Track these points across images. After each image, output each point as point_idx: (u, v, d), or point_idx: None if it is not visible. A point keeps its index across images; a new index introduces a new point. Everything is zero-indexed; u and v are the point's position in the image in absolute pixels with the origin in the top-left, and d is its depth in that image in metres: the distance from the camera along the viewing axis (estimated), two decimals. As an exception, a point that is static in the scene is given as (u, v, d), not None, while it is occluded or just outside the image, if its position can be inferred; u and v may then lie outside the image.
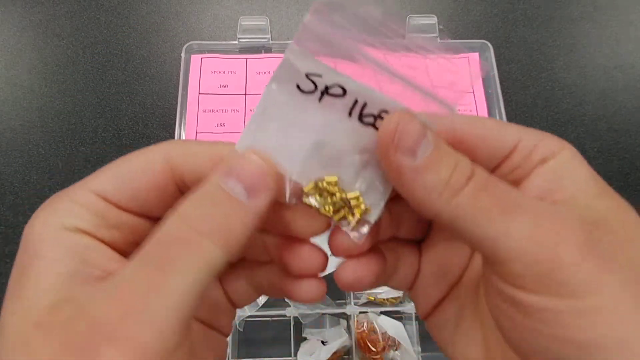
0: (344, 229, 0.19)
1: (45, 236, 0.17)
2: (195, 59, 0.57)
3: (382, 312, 0.48)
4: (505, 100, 0.55)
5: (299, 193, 0.19)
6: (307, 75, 0.17)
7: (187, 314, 0.16)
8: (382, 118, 0.18)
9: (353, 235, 0.19)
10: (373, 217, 0.19)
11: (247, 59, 0.57)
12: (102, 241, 0.18)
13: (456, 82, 0.18)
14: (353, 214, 0.19)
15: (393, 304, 0.49)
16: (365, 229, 0.19)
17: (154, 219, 0.19)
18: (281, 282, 0.22)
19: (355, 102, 0.18)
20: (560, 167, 0.18)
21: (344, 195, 0.18)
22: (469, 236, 0.17)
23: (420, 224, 0.23)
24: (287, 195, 0.18)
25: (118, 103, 0.56)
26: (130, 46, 0.60)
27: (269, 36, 0.58)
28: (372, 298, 0.50)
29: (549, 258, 0.15)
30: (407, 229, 0.23)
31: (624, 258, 0.16)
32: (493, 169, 0.19)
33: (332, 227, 0.20)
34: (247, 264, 0.23)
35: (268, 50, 0.58)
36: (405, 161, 0.17)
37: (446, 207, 0.17)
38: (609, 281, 0.15)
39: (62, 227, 0.17)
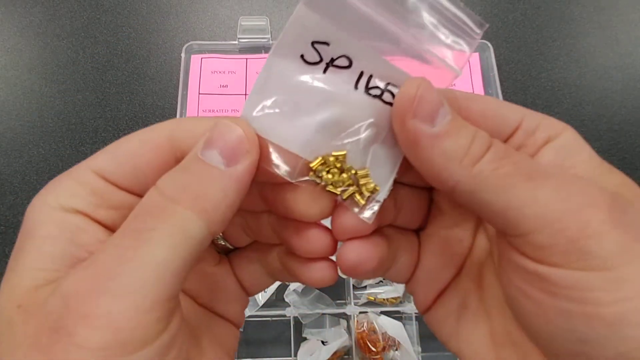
0: (353, 210, 0.18)
1: (41, 216, 0.16)
2: (195, 59, 0.57)
3: (382, 312, 0.48)
4: (505, 100, 0.55)
5: (305, 170, 0.18)
6: (313, 44, 0.16)
7: (167, 290, 0.15)
8: (389, 91, 0.17)
9: (363, 215, 0.18)
10: (382, 195, 0.18)
11: (247, 59, 0.57)
12: (98, 221, 0.17)
13: (457, 43, 0.17)
14: (361, 193, 0.18)
15: (393, 304, 0.49)
16: (376, 207, 0.18)
17: None
18: (292, 265, 0.21)
19: (361, 74, 0.17)
20: (567, 146, 0.18)
21: (352, 172, 0.17)
22: (490, 207, 0.16)
23: (419, 210, 0.22)
24: (295, 172, 0.17)
25: (118, 103, 0.56)
26: (130, 46, 0.60)
27: (269, 36, 0.58)
28: (372, 298, 0.50)
29: (577, 224, 0.15)
30: (406, 217, 0.22)
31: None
32: None
33: (337, 208, 0.19)
34: (258, 246, 0.23)
35: (268, 50, 0.58)
36: (424, 128, 0.16)
37: (467, 175, 0.16)
38: (639, 251, 0.14)
39: (58, 207, 0.16)
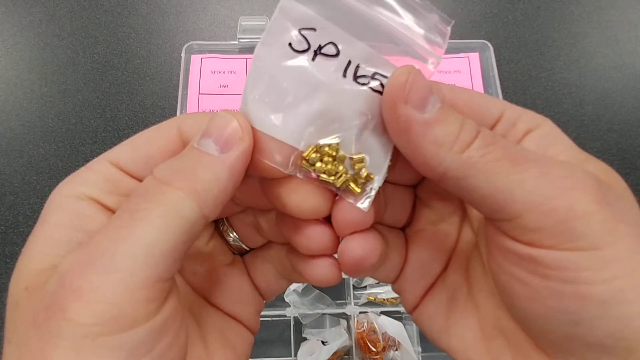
0: (349, 200, 0.18)
1: (54, 204, 0.17)
2: (195, 59, 0.57)
3: (382, 312, 0.48)
4: (504, 99, 0.55)
5: (299, 161, 0.18)
6: (300, 31, 0.17)
7: (157, 270, 0.15)
8: (377, 80, 0.17)
9: (359, 204, 0.18)
10: (377, 183, 0.18)
11: (247, 59, 0.57)
12: (108, 208, 0.18)
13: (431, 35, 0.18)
14: (356, 181, 0.18)
15: (393, 304, 0.49)
16: (372, 194, 0.18)
17: None
18: (296, 264, 0.21)
19: (349, 62, 0.17)
20: (546, 136, 0.18)
21: (346, 158, 0.17)
22: (479, 192, 0.16)
23: (404, 208, 0.22)
24: (289, 162, 0.17)
25: (118, 103, 0.56)
26: (130, 46, 0.60)
27: (269, 36, 0.58)
28: (372, 298, 0.50)
29: (565, 205, 0.15)
30: (392, 214, 0.22)
31: (630, 212, 0.16)
32: None
33: (335, 203, 0.19)
34: (271, 246, 0.23)
35: (268, 50, 0.58)
36: (415, 114, 0.16)
37: (457, 161, 0.16)
38: (625, 231, 0.15)
39: (71, 195, 0.17)
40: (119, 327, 0.14)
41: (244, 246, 0.23)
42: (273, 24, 0.17)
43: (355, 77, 0.17)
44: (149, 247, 0.15)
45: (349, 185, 0.18)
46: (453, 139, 0.16)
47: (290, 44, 0.17)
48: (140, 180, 0.18)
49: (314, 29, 0.17)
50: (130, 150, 0.19)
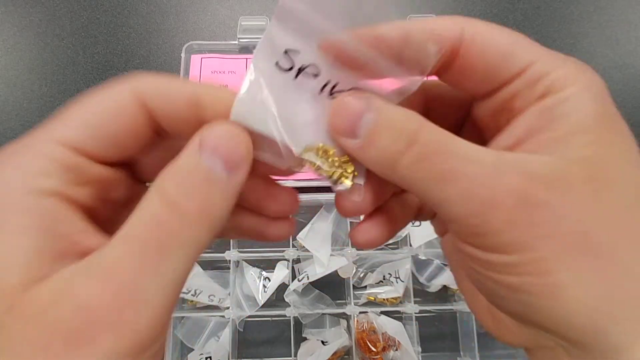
0: (343, 192, 0.20)
1: (10, 203, 0.15)
2: (195, 59, 0.57)
3: (382, 312, 0.48)
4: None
5: (295, 157, 0.19)
6: (285, 52, 0.18)
7: (177, 296, 0.16)
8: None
9: (352, 196, 0.20)
10: (360, 179, 0.20)
11: (247, 59, 0.57)
12: (76, 202, 0.16)
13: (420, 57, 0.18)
14: (346, 176, 0.19)
15: (393, 304, 0.49)
16: (362, 189, 0.20)
17: (127, 166, 0.19)
18: (257, 224, 0.22)
19: (328, 82, 0.18)
20: (560, 105, 0.16)
21: (335, 158, 0.19)
22: (421, 200, 0.18)
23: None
24: (286, 159, 0.18)
25: (118, 103, 0.56)
26: (130, 46, 0.60)
27: (269, 36, 0.58)
28: (372, 298, 0.50)
29: (480, 223, 0.16)
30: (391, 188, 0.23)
31: (567, 221, 0.15)
32: (491, 92, 0.18)
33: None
34: None
35: (268, 50, 0.58)
36: (350, 143, 0.17)
37: (395, 177, 0.17)
38: (535, 245, 0.15)
39: (29, 190, 0.15)
40: (143, 351, 0.15)
41: None
42: (261, 44, 0.18)
43: (331, 92, 0.19)
44: (176, 281, 0.15)
45: (342, 180, 0.19)
46: (387, 157, 0.17)
47: (277, 63, 0.18)
48: (105, 163, 0.17)
49: (298, 51, 0.18)
50: (84, 128, 0.16)
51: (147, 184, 0.21)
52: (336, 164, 0.19)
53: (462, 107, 0.21)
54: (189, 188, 0.16)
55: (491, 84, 0.18)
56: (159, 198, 0.16)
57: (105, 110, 0.17)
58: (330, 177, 0.19)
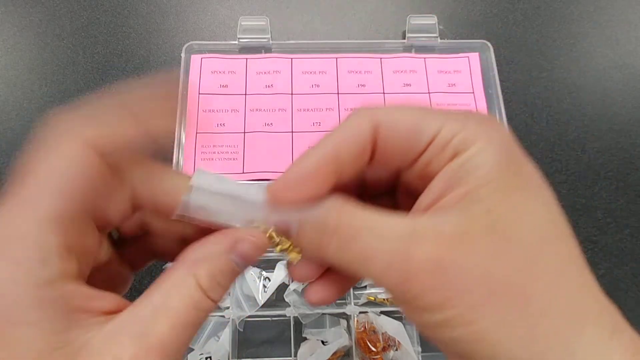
0: (292, 262, 0.22)
1: (18, 300, 0.15)
2: (195, 59, 0.57)
3: (382, 312, 0.48)
4: (505, 100, 0.55)
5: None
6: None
7: None
8: None
9: (297, 266, 0.22)
10: (297, 259, 0.22)
11: (247, 59, 0.57)
12: (71, 274, 0.17)
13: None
14: (291, 251, 0.22)
15: (393, 304, 0.49)
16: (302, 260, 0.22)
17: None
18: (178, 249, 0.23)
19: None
20: (467, 162, 0.18)
21: (283, 244, 0.22)
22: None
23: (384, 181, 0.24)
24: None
25: (118, 103, 0.56)
26: (130, 46, 0.60)
27: (269, 36, 0.58)
28: (372, 298, 0.50)
29: (406, 290, 0.17)
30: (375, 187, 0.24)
31: (475, 275, 0.17)
32: (411, 163, 0.20)
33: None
34: (149, 237, 0.24)
35: (268, 50, 0.58)
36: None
37: (328, 261, 0.19)
38: (454, 302, 0.17)
39: (34, 285, 0.16)
40: None
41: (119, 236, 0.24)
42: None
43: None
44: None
45: (289, 253, 0.22)
46: (315, 248, 0.20)
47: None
48: (88, 234, 0.19)
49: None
50: (62, 199, 0.17)
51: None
52: (280, 244, 0.22)
53: (393, 175, 0.23)
54: (219, 282, 0.19)
55: (409, 158, 0.19)
56: (195, 284, 0.18)
57: (60, 168, 0.18)
58: (280, 249, 0.22)
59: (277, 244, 0.22)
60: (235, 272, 0.20)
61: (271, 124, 0.54)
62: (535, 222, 0.17)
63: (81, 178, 0.17)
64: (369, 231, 0.18)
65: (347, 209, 0.19)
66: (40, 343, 0.15)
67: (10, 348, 0.15)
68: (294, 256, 0.22)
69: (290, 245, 0.22)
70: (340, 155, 0.19)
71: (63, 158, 0.17)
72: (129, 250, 0.24)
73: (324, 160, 0.19)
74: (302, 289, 0.49)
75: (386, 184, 0.23)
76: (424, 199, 0.19)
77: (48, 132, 0.18)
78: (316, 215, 0.19)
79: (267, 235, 0.21)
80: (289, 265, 0.23)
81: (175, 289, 0.18)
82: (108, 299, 0.18)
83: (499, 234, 0.17)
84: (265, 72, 0.57)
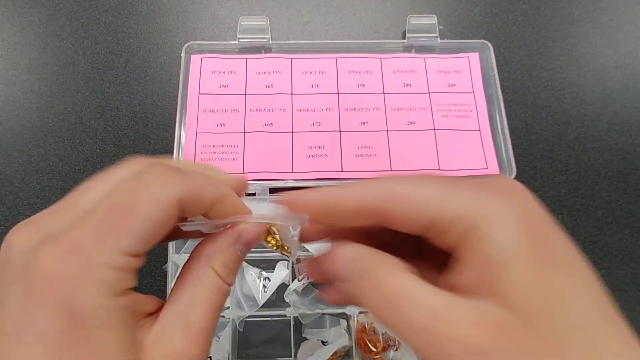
0: (288, 257, 0.26)
1: (99, 310, 0.18)
2: (195, 59, 0.57)
3: (382, 312, 0.48)
4: (505, 100, 0.55)
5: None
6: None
7: None
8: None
9: (297, 265, 0.26)
10: (293, 257, 0.25)
11: (247, 59, 0.57)
12: (132, 286, 0.20)
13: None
14: (285, 249, 0.26)
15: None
16: (295, 258, 0.26)
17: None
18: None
19: None
20: (490, 248, 0.18)
21: (280, 242, 0.25)
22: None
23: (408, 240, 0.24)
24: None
25: (118, 103, 0.56)
26: (130, 46, 0.60)
27: (269, 36, 0.58)
28: (372, 298, 0.50)
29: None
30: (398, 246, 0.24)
31: None
32: (425, 232, 0.20)
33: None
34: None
35: (268, 50, 0.58)
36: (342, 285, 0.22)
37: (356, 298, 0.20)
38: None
39: (108, 295, 0.18)
40: None
41: None
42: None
43: None
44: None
45: (283, 251, 0.25)
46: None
47: None
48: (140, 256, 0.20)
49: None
50: (137, 238, 0.19)
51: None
52: (278, 241, 0.25)
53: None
54: (232, 269, 0.23)
55: (420, 230, 0.20)
56: (214, 273, 0.22)
57: (155, 220, 0.19)
58: (276, 247, 0.25)
59: (273, 238, 0.24)
60: (240, 258, 0.23)
61: (271, 124, 0.54)
62: (571, 313, 0.17)
63: (163, 227, 0.20)
64: (411, 301, 0.18)
65: (389, 270, 0.20)
66: (119, 343, 0.18)
67: (96, 348, 0.18)
68: (287, 252, 0.25)
69: (282, 243, 0.24)
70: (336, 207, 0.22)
71: (156, 203, 0.19)
72: None
73: (331, 200, 0.21)
74: (302, 289, 0.49)
75: (410, 244, 0.24)
76: (452, 277, 0.19)
77: (145, 172, 0.20)
78: (350, 252, 0.21)
79: (267, 227, 0.24)
80: (305, 264, 0.25)
81: (199, 282, 0.21)
82: (152, 302, 0.21)
83: (536, 327, 0.17)
84: (265, 72, 0.57)
